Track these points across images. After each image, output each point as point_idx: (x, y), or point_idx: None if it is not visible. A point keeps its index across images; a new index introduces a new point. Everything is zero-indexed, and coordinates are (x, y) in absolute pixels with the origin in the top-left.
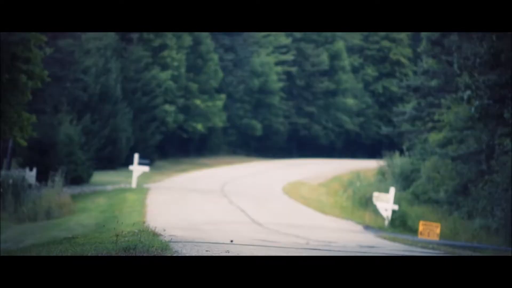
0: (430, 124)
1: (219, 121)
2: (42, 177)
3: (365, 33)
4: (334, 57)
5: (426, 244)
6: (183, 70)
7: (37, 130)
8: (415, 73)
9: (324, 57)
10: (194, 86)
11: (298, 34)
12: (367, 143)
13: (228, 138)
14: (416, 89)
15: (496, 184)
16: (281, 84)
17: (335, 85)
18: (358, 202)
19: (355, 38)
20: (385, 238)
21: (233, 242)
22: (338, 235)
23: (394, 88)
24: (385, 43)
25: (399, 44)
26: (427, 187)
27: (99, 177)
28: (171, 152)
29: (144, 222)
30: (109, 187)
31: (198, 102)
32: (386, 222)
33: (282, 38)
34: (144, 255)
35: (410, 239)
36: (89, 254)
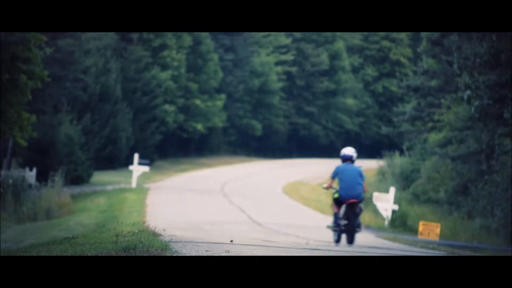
0: (430, 124)
1: (219, 121)
2: (42, 177)
3: (365, 33)
4: (334, 57)
5: (426, 244)
6: (183, 70)
7: (37, 130)
8: (415, 73)
9: (324, 57)
10: (194, 86)
11: (298, 34)
12: (367, 143)
13: (228, 138)
14: (416, 89)
15: (496, 184)
16: (281, 84)
17: (335, 85)
18: None
19: (355, 38)
20: (385, 238)
21: (233, 242)
22: None
23: (394, 88)
24: (385, 43)
25: (399, 44)
26: (427, 187)
27: (99, 177)
28: (171, 152)
29: (144, 222)
30: (109, 187)
31: (198, 102)
32: (386, 222)
33: (282, 38)
34: (144, 255)
35: (410, 239)
36: (89, 254)
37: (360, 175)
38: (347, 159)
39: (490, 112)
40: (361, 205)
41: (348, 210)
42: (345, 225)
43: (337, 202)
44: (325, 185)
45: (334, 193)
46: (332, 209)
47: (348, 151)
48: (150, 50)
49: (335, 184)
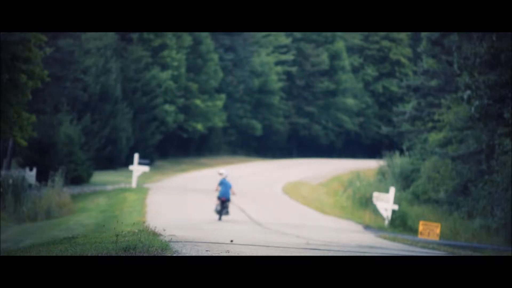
0: (430, 124)
1: (219, 121)
2: (42, 177)
3: (365, 33)
4: (334, 57)
5: (426, 244)
6: (183, 70)
7: (37, 130)
8: (415, 73)
9: (324, 57)
10: (194, 86)
11: (298, 34)
12: (367, 143)
13: (228, 138)
14: (416, 89)
15: (496, 184)
16: (281, 84)
17: (335, 85)
18: (358, 202)
19: (355, 38)
20: (385, 238)
21: (233, 242)
22: (338, 235)
23: (394, 88)
24: (385, 43)
25: (399, 44)
26: (427, 187)
27: (99, 177)
28: (171, 152)
29: (144, 222)
30: (109, 187)
31: (198, 102)
32: (386, 222)
33: (282, 38)
34: (144, 255)
35: (410, 239)
36: (89, 254)
37: (230, 187)
38: (225, 177)
39: (490, 112)
40: (228, 202)
41: (221, 203)
42: (219, 210)
43: (218, 198)
44: (214, 189)
45: (218, 194)
46: (215, 202)
47: (226, 172)
48: (150, 50)
49: (218, 188)
